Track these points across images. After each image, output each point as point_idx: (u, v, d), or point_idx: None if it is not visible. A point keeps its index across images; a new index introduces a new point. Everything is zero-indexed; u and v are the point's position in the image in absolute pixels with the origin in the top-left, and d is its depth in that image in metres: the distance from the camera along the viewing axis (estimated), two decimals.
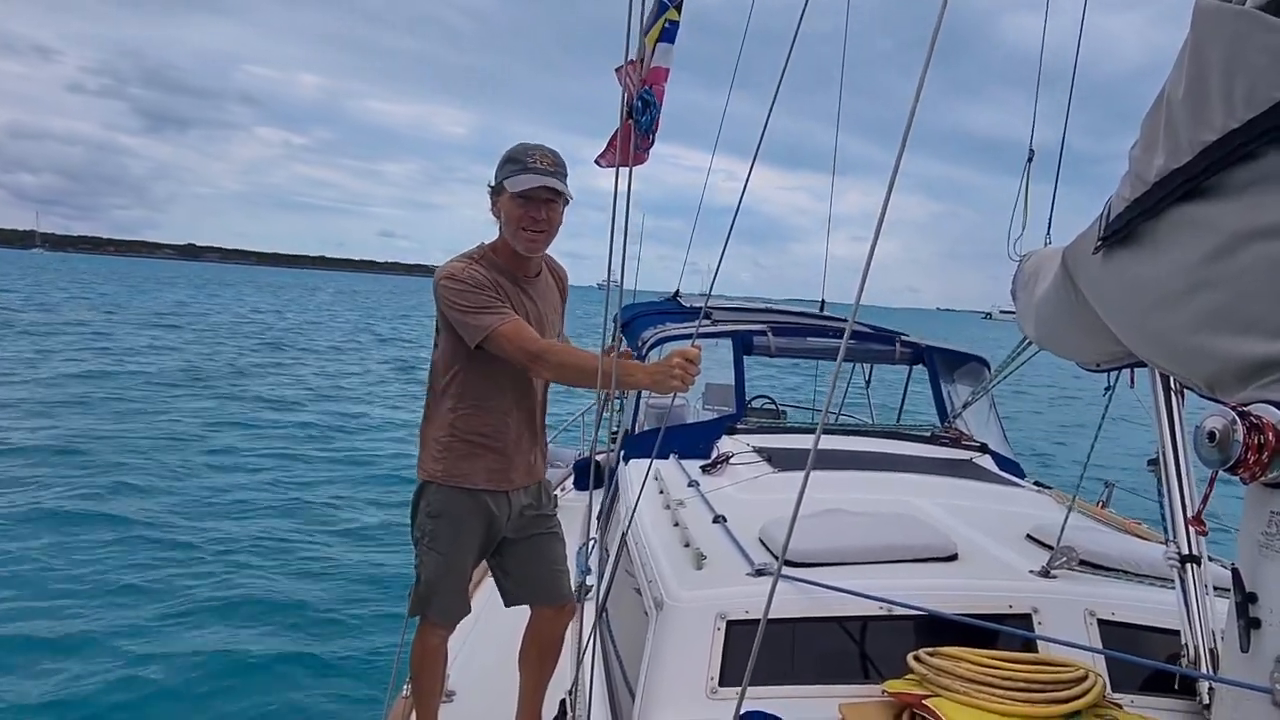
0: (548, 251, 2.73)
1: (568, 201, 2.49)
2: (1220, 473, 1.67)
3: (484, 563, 2.92)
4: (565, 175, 2.41)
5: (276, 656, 6.08)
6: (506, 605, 2.96)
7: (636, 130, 1.58)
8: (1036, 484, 4.31)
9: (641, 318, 5.85)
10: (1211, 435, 1.59)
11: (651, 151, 1.64)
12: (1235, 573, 1.67)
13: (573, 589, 3.85)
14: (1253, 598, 1.63)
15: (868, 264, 1.13)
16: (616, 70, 1.58)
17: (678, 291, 7.17)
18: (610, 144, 1.65)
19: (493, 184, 2.52)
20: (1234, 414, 1.57)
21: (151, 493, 10.19)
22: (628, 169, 1.58)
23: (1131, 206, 2.00)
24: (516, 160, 2.42)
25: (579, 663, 2.20)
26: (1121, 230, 2.05)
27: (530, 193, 2.42)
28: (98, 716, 5.10)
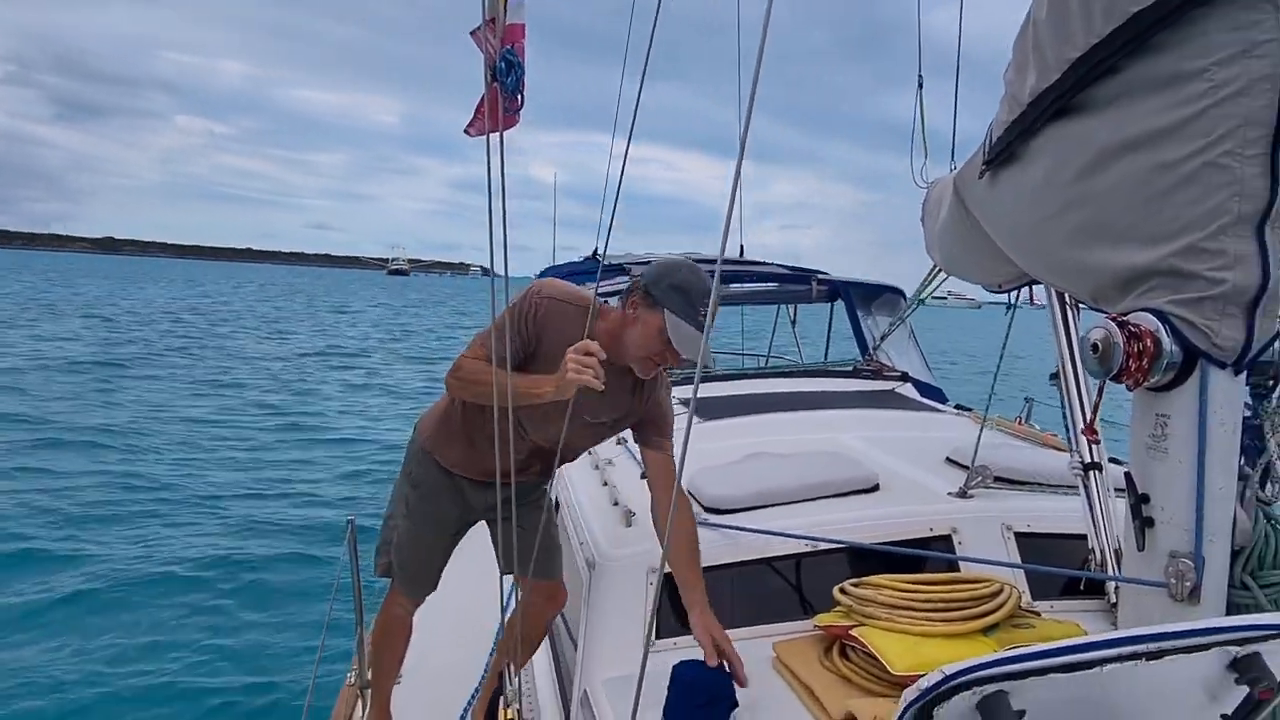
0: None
1: None
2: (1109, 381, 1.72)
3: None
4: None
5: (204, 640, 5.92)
6: (502, 574, 2.79)
7: (503, 93, 1.53)
8: (958, 407, 4.43)
9: (564, 277, 5.79)
10: (1095, 347, 1.64)
11: (522, 114, 1.59)
12: (1128, 477, 1.74)
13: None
14: (1145, 499, 1.70)
15: (729, 212, 1.12)
16: (472, 33, 1.52)
17: (596, 250, 7.11)
18: (477, 111, 1.58)
19: (648, 289, 2.20)
20: (1114, 325, 1.61)
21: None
22: (499, 135, 1.53)
23: (1010, 128, 2.03)
24: (687, 296, 2.15)
25: (514, 628, 2.20)
26: (1002, 152, 2.07)
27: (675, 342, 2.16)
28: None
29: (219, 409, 15.31)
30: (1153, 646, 1.07)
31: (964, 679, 1.04)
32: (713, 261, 6.00)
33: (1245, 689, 1.13)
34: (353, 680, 2.97)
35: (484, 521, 2.69)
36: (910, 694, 1.05)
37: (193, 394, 16.78)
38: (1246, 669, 1.11)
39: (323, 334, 33.52)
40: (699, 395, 4.14)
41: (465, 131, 1.57)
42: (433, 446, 2.57)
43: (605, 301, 2.54)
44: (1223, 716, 1.20)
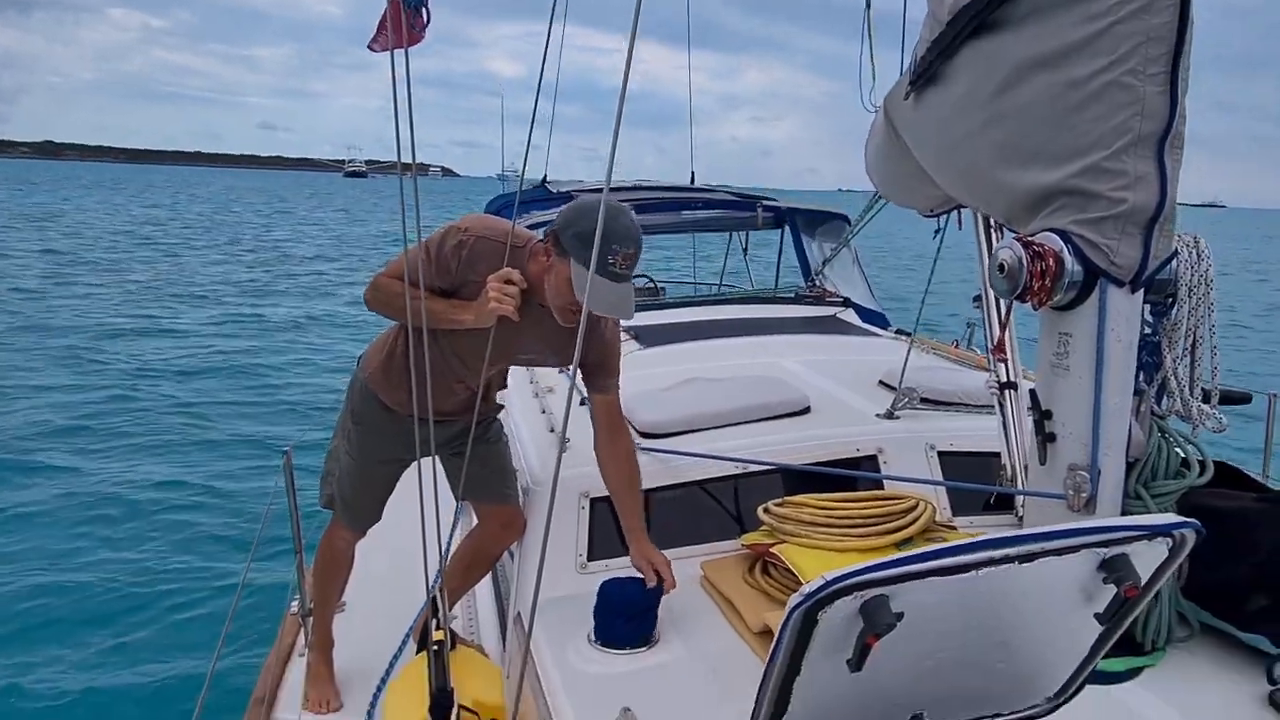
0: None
1: None
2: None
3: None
4: (639, 255, 2.08)
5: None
6: (457, 500, 2.78)
7: (406, 7, 1.48)
8: (899, 332, 4.49)
9: (508, 208, 5.72)
10: (1002, 267, 1.67)
11: (429, 30, 1.54)
12: (1033, 394, 1.79)
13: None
14: (1048, 414, 1.75)
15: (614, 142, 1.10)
16: None
17: (545, 178, 7.01)
18: (380, 27, 1.52)
19: (556, 234, 2.09)
20: (1020, 245, 1.64)
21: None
22: (403, 51, 1.49)
23: (931, 48, 2.02)
24: (597, 240, 1.83)
25: (441, 555, 2.22)
26: (925, 72, 2.07)
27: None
28: None
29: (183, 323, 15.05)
30: (1024, 550, 1.12)
31: (845, 583, 1.08)
32: (661, 189, 5.96)
33: (1114, 588, 1.19)
34: (294, 609, 2.99)
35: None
36: (795, 599, 1.09)
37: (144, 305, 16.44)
38: (1114, 569, 1.17)
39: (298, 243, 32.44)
40: (643, 324, 4.15)
41: (369, 47, 1.51)
42: (375, 384, 2.52)
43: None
44: (1095, 616, 1.27)
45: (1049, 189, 1.67)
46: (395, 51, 1.48)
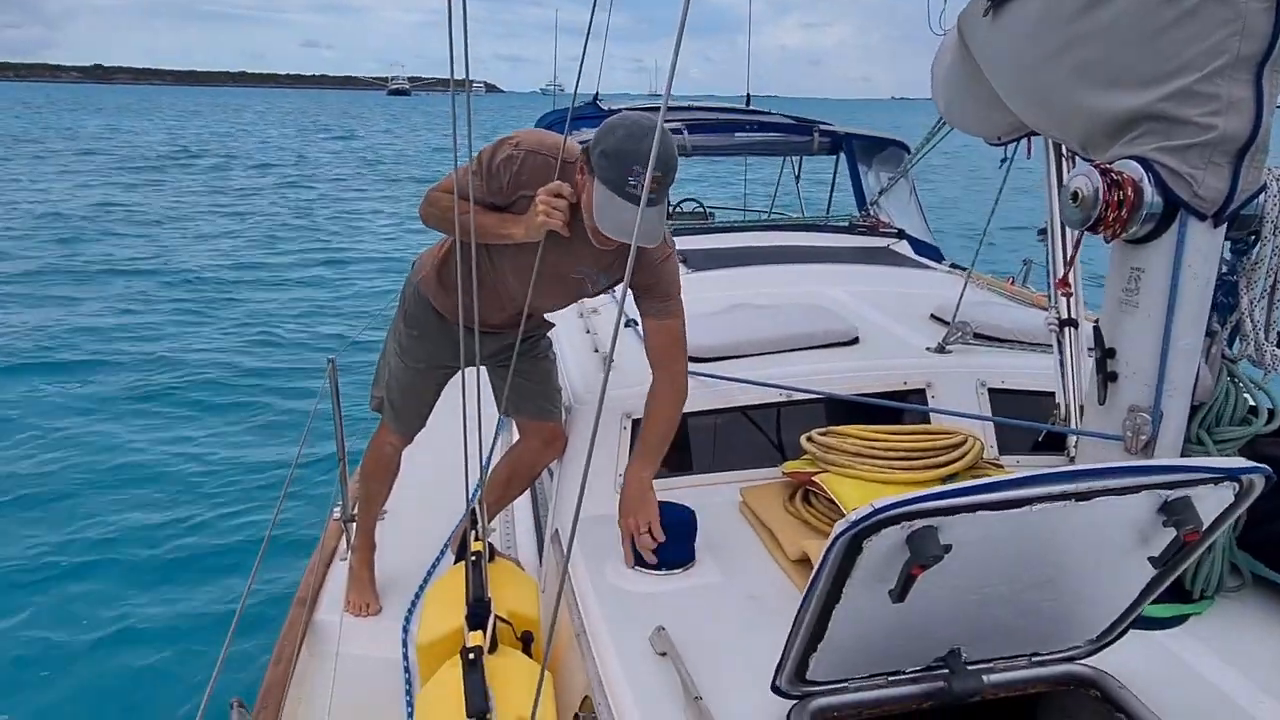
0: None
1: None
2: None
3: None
4: (673, 179, 1.98)
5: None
6: (501, 414, 2.78)
7: None
8: (953, 266, 4.37)
9: (559, 124, 5.62)
10: (1075, 195, 1.59)
11: None
12: (1097, 330, 1.72)
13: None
14: (1111, 353, 1.69)
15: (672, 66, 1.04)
16: None
17: (597, 95, 6.87)
18: None
19: (589, 152, 1.99)
20: (1097, 173, 1.55)
21: None
22: None
23: None
24: (616, 163, 1.91)
25: (482, 468, 2.24)
26: None
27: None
28: None
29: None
30: (1083, 487, 1.08)
31: (894, 512, 1.05)
32: (714, 110, 5.81)
33: (1173, 531, 1.15)
34: (337, 515, 3.06)
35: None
36: (841, 525, 1.07)
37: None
38: (1175, 512, 1.12)
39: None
40: (691, 249, 4.09)
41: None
42: (428, 288, 2.49)
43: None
44: (1150, 559, 1.23)
45: (1132, 114, 1.57)
46: None
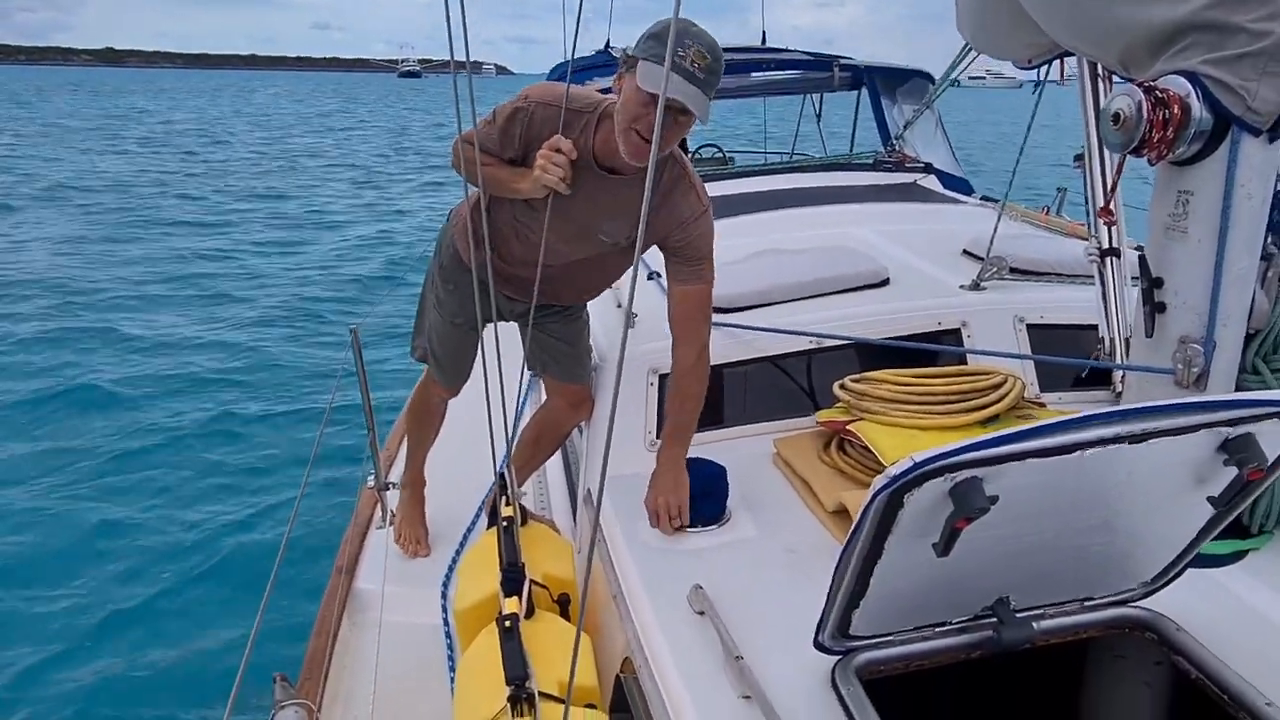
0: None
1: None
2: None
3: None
4: (718, 82, 1.91)
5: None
6: (530, 370, 2.74)
7: None
8: (983, 199, 4.24)
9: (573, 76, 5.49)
10: (1117, 116, 1.49)
11: None
12: (1142, 260, 1.63)
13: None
14: (1159, 283, 1.60)
15: None
16: None
17: (608, 43, 6.70)
18: None
19: (628, 51, 1.94)
20: (1140, 91, 1.46)
21: None
22: None
23: None
24: (662, 39, 1.86)
25: (508, 432, 2.21)
26: None
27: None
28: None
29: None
30: (1137, 428, 1.01)
31: (936, 465, 1.00)
32: (733, 50, 5.64)
33: (1234, 470, 1.08)
34: (371, 484, 3.06)
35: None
36: (880, 481, 1.02)
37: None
38: (1238, 450, 1.06)
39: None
40: (712, 195, 3.99)
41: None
42: (459, 237, 2.38)
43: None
44: (1209, 499, 1.17)
45: (1177, 24, 1.46)
46: None
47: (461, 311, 2.47)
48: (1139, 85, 1.46)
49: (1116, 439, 1.01)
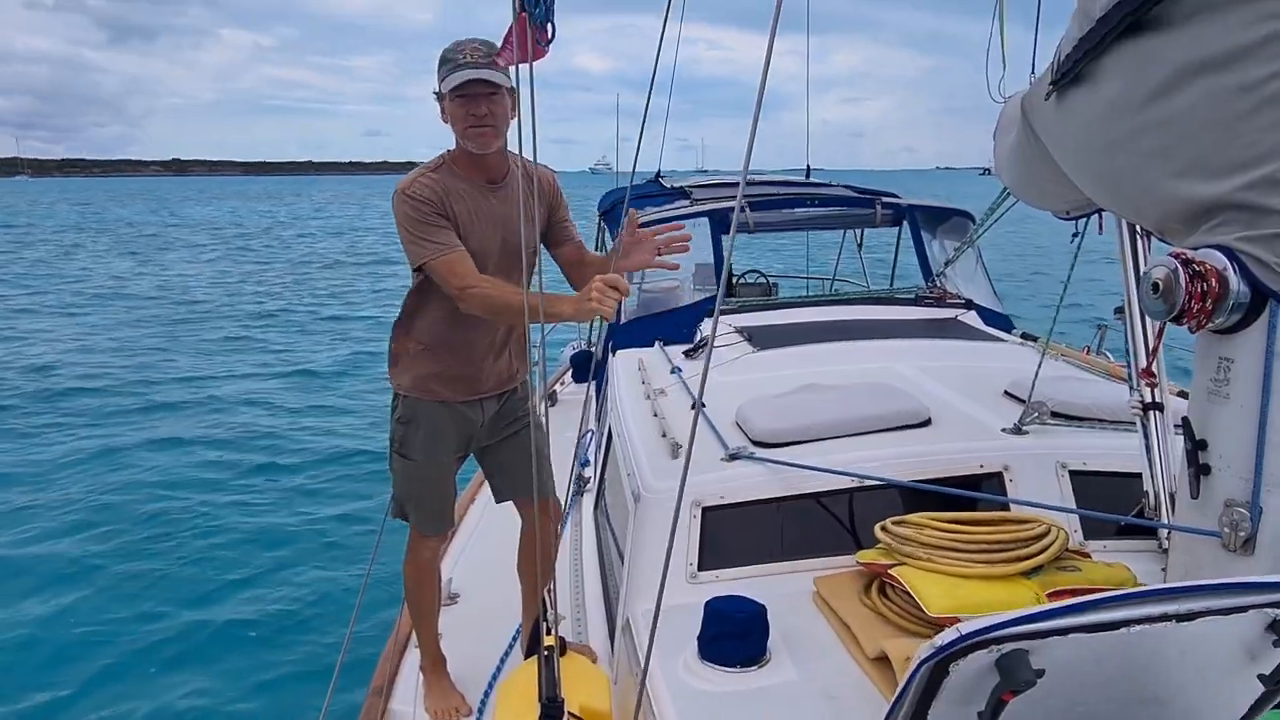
0: (528, 158, 2.60)
1: (513, 91, 2.37)
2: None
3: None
4: (492, 53, 2.31)
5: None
6: (497, 501, 2.96)
7: (531, 23, 1.48)
8: (1024, 336, 4.28)
9: (621, 204, 5.73)
10: (1156, 286, 1.54)
11: (568, 39, 1.54)
12: (1186, 422, 1.65)
13: (569, 481, 3.87)
14: (1202, 444, 1.61)
15: (752, 135, 1.06)
16: None
17: (659, 173, 7.00)
18: (505, 42, 1.54)
19: (435, 90, 2.43)
20: (1177, 263, 1.51)
21: None
22: (528, 65, 1.48)
23: (1079, 45, 1.88)
24: (448, 60, 2.35)
25: (552, 556, 2.24)
26: (1071, 71, 1.94)
27: (465, 89, 2.33)
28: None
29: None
30: (1184, 608, 1.03)
31: (981, 638, 1.01)
32: (778, 184, 5.86)
33: None
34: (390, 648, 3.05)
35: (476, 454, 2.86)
36: (924, 650, 1.04)
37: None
38: None
39: None
40: (756, 325, 4.09)
41: (493, 61, 1.53)
42: (416, 385, 2.65)
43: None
44: (1259, 677, 1.16)
45: (1211, 202, 1.53)
46: (521, 66, 1.48)
47: (427, 443, 2.65)
48: (1177, 256, 1.52)
49: (1165, 617, 1.02)
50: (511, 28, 1.52)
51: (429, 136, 2.60)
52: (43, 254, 29.14)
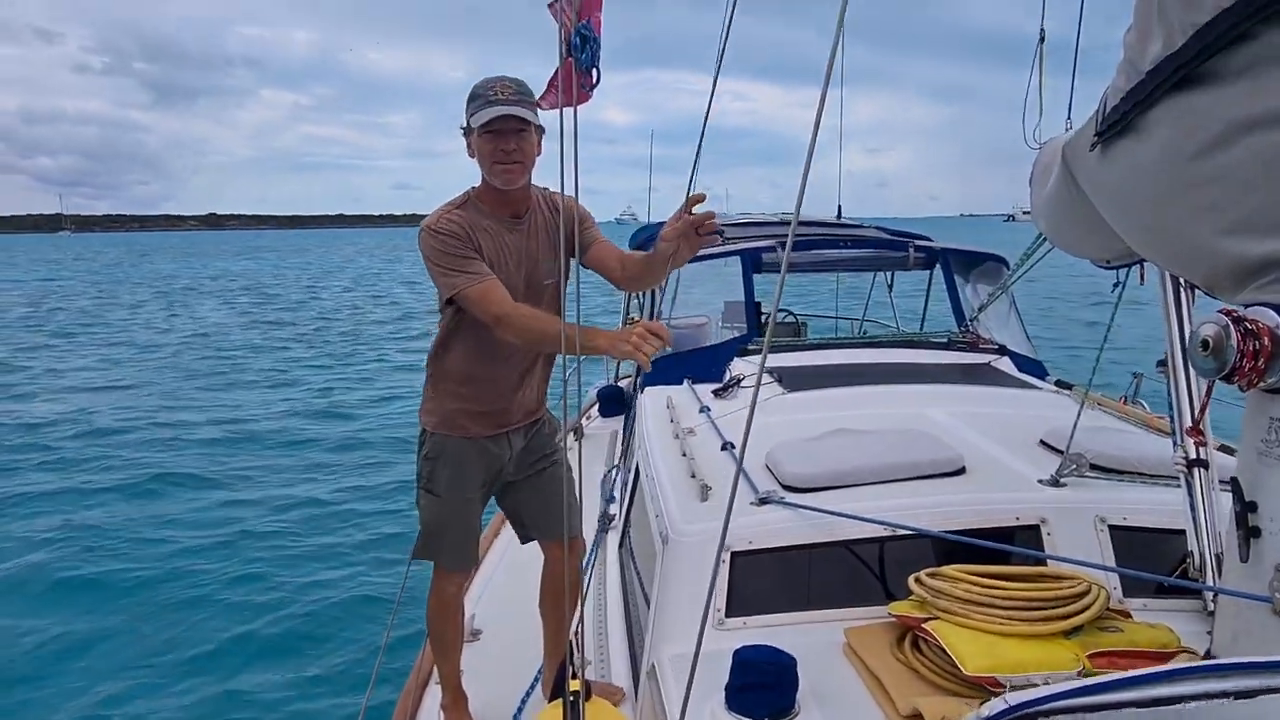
0: (546, 186, 2.67)
1: (541, 130, 2.42)
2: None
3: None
4: (531, 102, 2.38)
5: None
6: (522, 542, 2.98)
7: (577, 68, 1.49)
8: (1058, 383, 4.22)
9: (651, 241, 5.75)
10: (1205, 344, 1.51)
11: (597, 91, 1.55)
12: (1235, 483, 1.61)
13: (596, 518, 3.86)
14: (1253, 507, 1.57)
15: (804, 175, 1.06)
16: (550, 5, 1.48)
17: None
18: (550, 85, 1.56)
19: (463, 126, 2.48)
20: (1228, 320, 1.48)
21: None
22: (573, 110, 1.50)
23: (1126, 98, 1.87)
24: (478, 96, 2.40)
25: (582, 597, 2.22)
26: (1117, 123, 1.92)
27: (494, 125, 2.37)
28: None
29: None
30: (1241, 685, 0.99)
31: (1030, 710, 0.98)
32: (808, 224, 5.86)
33: None
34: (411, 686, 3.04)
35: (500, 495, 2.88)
36: None
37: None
38: None
39: None
40: (786, 366, 4.06)
41: (537, 104, 1.54)
42: (443, 422, 2.68)
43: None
44: None
45: (1263, 260, 1.50)
46: (565, 110, 1.49)
47: (454, 479, 2.66)
48: (1227, 314, 1.49)
49: (1221, 694, 0.99)
50: (557, 71, 1.53)
51: (457, 187, 2.68)
52: (85, 304, 30.46)
